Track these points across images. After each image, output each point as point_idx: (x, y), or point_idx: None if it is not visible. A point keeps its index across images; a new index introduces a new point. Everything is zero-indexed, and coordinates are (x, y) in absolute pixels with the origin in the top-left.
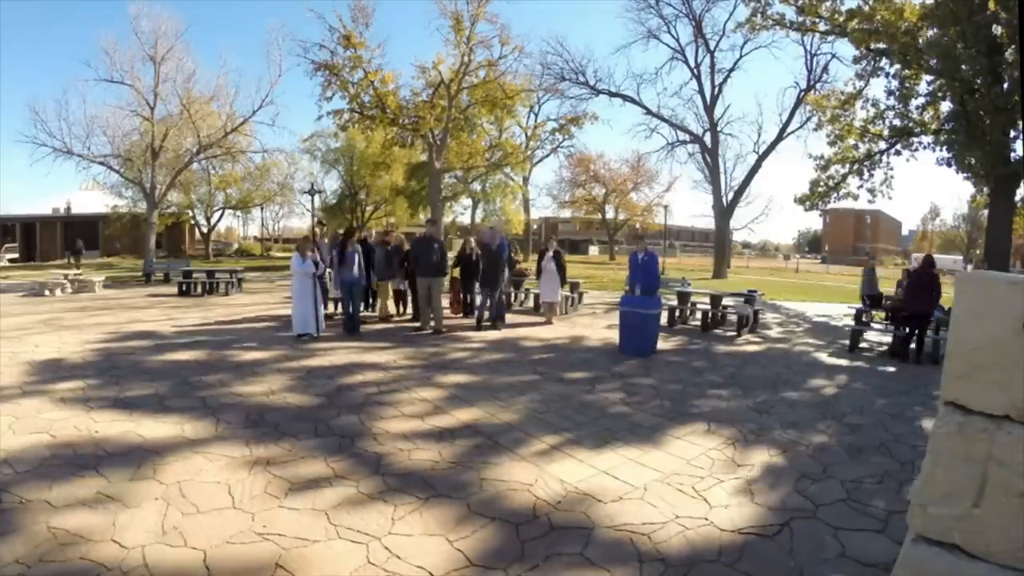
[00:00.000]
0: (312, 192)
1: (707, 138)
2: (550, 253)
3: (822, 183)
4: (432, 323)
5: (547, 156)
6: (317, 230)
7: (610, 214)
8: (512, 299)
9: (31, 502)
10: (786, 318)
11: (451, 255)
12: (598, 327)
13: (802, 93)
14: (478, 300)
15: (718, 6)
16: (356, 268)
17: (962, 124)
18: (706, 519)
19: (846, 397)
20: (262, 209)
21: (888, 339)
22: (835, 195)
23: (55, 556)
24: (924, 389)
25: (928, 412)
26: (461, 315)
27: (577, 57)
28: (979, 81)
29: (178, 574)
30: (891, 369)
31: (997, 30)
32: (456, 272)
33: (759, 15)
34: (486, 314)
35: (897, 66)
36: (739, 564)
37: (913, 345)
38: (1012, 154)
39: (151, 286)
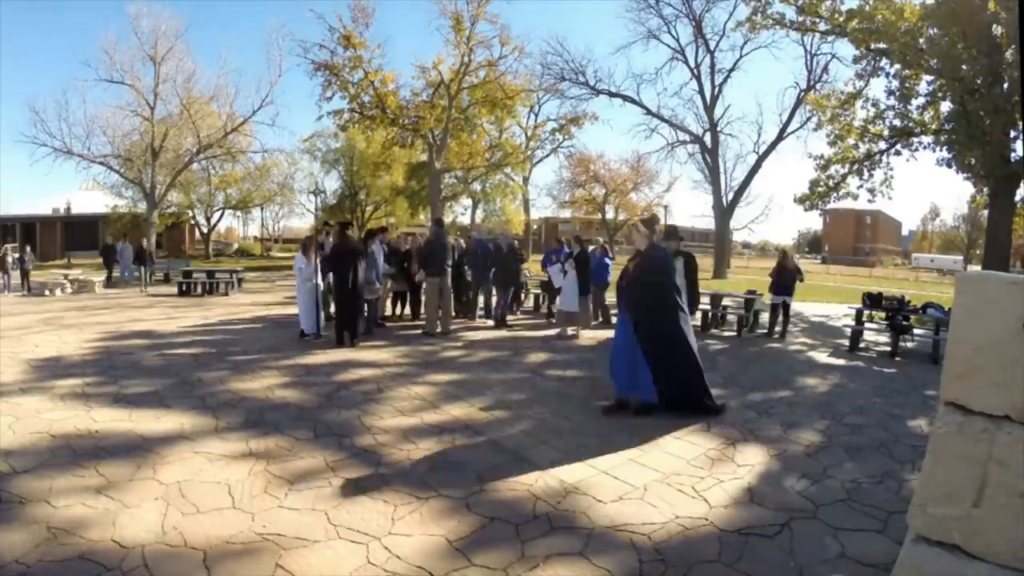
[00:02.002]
0: (317, 192)
1: (707, 138)
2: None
3: (822, 183)
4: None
5: (547, 156)
6: (322, 231)
7: (610, 214)
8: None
9: (30, 501)
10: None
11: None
12: (597, 327)
13: (802, 93)
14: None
15: (718, 6)
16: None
17: (962, 124)
18: (706, 519)
19: (845, 397)
20: (262, 209)
21: (886, 339)
22: (835, 195)
23: (55, 556)
24: (923, 389)
25: (926, 412)
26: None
27: (577, 57)
28: (979, 81)
29: (178, 574)
30: (890, 370)
31: (997, 30)
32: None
33: (759, 15)
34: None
35: (897, 66)
36: (739, 564)
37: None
38: (1012, 154)
39: (151, 286)
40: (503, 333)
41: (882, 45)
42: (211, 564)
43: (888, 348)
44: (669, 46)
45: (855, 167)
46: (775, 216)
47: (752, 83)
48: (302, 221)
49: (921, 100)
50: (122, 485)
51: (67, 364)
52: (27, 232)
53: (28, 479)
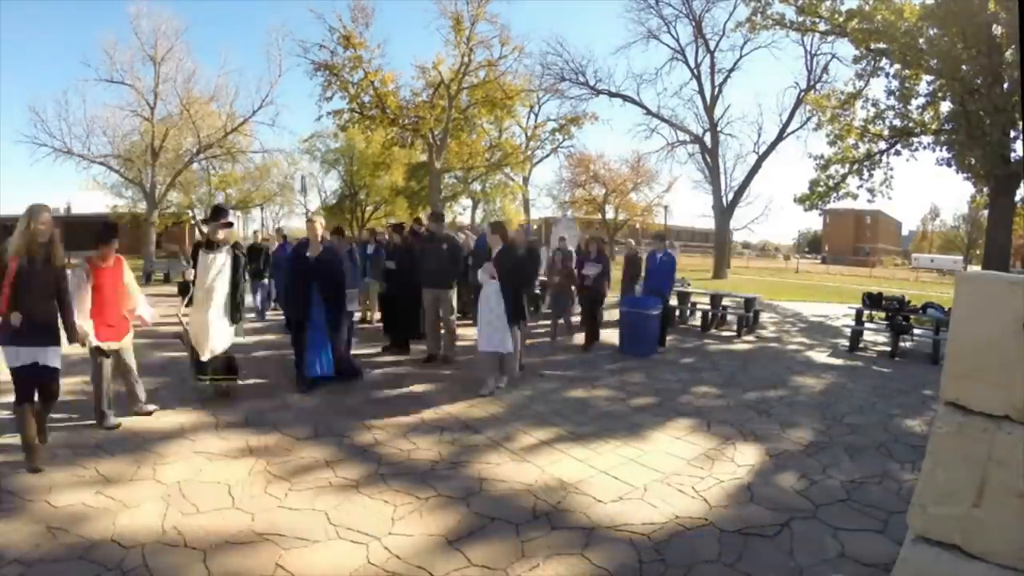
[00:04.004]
0: (304, 189)
1: (707, 138)
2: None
3: (822, 183)
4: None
5: (547, 156)
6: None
7: (610, 214)
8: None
9: (31, 501)
10: (784, 319)
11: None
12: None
13: (802, 93)
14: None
15: (718, 6)
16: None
17: (962, 124)
18: (706, 519)
19: (845, 397)
20: (262, 209)
21: (885, 339)
22: (835, 195)
23: (54, 556)
24: (923, 389)
25: (926, 412)
26: None
27: (577, 57)
28: (979, 81)
29: (178, 574)
30: (889, 370)
31: (997, 30)
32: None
33: (759, 15)
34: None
35: (897, 66)
36: (739, 564)
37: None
38: (1012, 154)
39: (152, 286)
40: None
41: (882, 45)
42: (211, 564)
43: (888, 348)
44: (669, 46)
45: (855, 167)
46: (775, 216)
47: (752, 83)
48: (302, 221)
49: (921, 100)
50: (122, 484)
51: (67, 363)
52: None
53: (28, 477)
